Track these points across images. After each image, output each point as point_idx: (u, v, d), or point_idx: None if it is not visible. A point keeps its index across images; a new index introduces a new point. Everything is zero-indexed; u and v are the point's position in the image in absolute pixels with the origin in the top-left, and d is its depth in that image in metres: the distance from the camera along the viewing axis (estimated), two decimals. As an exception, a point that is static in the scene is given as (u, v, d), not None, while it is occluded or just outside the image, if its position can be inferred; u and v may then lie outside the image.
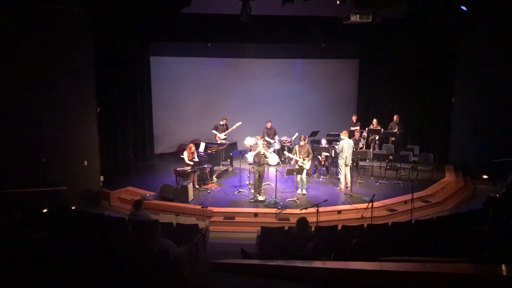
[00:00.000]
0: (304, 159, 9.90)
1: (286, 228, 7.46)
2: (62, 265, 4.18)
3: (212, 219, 9.01)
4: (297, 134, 12.67)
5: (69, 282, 4.00)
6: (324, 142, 11.68)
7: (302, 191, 10.11)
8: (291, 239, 6.18)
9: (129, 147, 12.53)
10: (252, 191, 9.97)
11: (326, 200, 8.51)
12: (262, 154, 9.68)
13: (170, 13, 10.79)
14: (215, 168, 11.58)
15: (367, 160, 11.98)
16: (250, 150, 10.48)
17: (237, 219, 9.05)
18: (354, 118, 13.20)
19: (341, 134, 10.56)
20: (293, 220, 7.92)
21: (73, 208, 8.74)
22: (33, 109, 9.43)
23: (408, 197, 9.10)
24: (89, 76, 10.13)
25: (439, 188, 10.62)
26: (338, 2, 9.49)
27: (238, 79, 14.38)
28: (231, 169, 12.31)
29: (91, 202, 10.14)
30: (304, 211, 8.28)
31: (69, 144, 9.92)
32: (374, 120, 12.64)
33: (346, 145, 10.15)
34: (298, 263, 4.04)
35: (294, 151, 10.09)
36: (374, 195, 8.29)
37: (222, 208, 9.35)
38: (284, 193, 10.15)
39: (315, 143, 12.68)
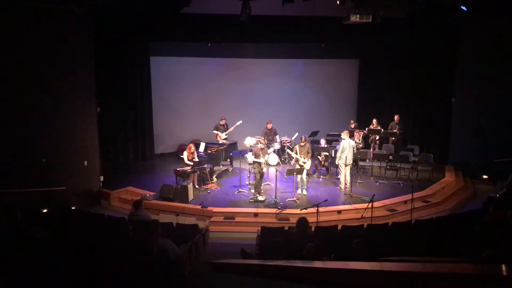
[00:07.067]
0: (304, 158, 9.91)
1: (286, 228, 7.47)
2: (62, 265, 4.18)
3: (212, 219, 9.01)
4: (297, 134, 12.66)
5: (69, 282, 4.00)
6: (323, 142, 11.68)
7: (302, 191, 10.11)
8: (291, 239, 6.18)
9: (129, 147, 12.53)
10: (253, 191, 9.97)
11: (326, 200, 8.51)
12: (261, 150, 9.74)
13: (170, 13, 10.78)
14: (215, 168, 11.58)
15: (367, 160, 11.98)
16: (250, 150, 10.48)
17: (237, 219, 9.05)
18: (352, 125, 12.94)
19: (342, 134, 10.57)
20: (293, 220, 7.92)
21: (73, 208, 8.75)
22: (33, 109, 9.44)
23: (408, 197, 9.10)
24: (89, 76, 10.14)
25: (439, 188, 10.62)
26: (338, 2, 9.48)
27: (238, 79, 14.37)
28: (231, 169, 12.31)
29: (91, 202, 10.14)
30: (304, 211, 8.28)
31: (69, 144, 9.93)
32: (374, 120, 12.63)
33: (346, 144, 10.15)
34: (298, 263, 4.03)
35: (294, 151, 10.09)
36: (374, 195, 8.29)
37: (222, 208, 9.35)
38: (284, 193, 10.15)
39: (315, 143, 12.67)
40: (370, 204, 7.88)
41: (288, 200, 9.65)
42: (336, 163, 10.52)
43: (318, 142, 12.33)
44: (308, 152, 10.02)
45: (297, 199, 9.73)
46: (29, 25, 9.14)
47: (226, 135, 12.26)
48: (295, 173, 9.76)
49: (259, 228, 7.33)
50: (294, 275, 3.50)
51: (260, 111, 13.85)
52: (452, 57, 12.26)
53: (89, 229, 6.48)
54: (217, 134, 12.26)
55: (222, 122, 12.36)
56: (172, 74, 13.67)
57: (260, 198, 9.66)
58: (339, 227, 7.08)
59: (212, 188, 10.56)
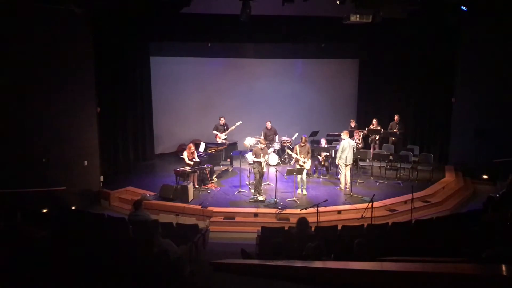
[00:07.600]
0: (304, 158, 9.91)
1: (286, 228, 7.46)
2: (62, 265, 4.18)
3: (212, 219, 9.01)
4: (297, 134, 12.66)
5: (69, 282, 4.00)
6: (323, 142, 11.67)
7: (302, 191, 10.11)
8: (291, 239, 6.18)
9: (129, 147, 12.51)
10: (253, 191, 9.97)
11: (326, 200, 8.51)
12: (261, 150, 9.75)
13: (170, 13, 10.78)
14: (215, 168, 11.57)
15: (367, 160, 11.97)
16: (250, 150, 10.48)
17: (237, 219, 9.05)
18: (352, 124, 13.03)
19: (342, 134, 10.56)
20: (293, 220, 7.93)
21: (73, 208, 8.75)
22: (33, 109, 9.43)
23: (408, 197, 9.10)
24: (89, 76, 10.13)
25: (439, 188, 10.62)
26: (338, 2, 9.49)
27: (238, 79, 14.37)
28: (231, 169, 12.30)
29: (91, 202, 10.14)
30: (304, 211, 8.27)
31: (69, 144, 9.92)
32: (374, 120, 12.63)
33: (346, 144, 10.14)
34: (298, 263, 4.04)
35: (295, 151, 10.10)
36: (374, 195, 8.30)
37: (222, 208, 9.35)
38: (284, 193, 10.15)
39: (315, 143, 12.67)
40: (370, 204, 7.89)
41: (288, 200, 9.65)
42: (336, 163, 10.51)
43: (318, 142, 12.32)
44: (308, 152, 10.02)
45: (297, 199, 9.73)
46: (29, 25, 9.13)
47: (225, 135, 12.25)
48: (295, 173, 9.76)
49: (259, 228, 7.33)
50: (294, 275, 3.51)
51: (260, 111, 13.84)
52: (452, 57, 12.25)
53: (89, 229, 6.48)
54: (217, 134, 12.25)
55: (221, 122, 12.34)
56: (172, 74, 13.67)
57: (260, 198, 9.66)
58: (339, 227, 7.08)
59: (212, 188, 10.56)
